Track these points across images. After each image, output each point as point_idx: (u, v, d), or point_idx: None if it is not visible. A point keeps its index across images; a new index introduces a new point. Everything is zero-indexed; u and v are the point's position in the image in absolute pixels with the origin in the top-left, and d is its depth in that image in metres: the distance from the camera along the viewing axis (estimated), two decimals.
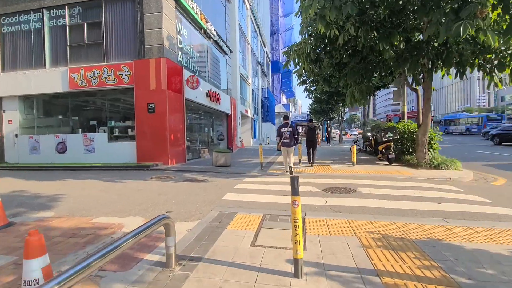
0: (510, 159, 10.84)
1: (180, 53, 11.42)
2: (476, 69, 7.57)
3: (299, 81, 9.97)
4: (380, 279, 2.24)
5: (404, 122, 11.01)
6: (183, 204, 4.70)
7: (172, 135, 10.13)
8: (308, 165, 9.54)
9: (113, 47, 10.56)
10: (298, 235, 2.27)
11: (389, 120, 13.14)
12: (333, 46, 8.37)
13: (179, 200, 4.98)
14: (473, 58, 6.93)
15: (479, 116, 35.33)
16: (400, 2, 6.54)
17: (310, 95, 29.17)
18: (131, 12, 10.39)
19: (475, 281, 2.19)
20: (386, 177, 7.01)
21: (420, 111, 9.45)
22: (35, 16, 11.27)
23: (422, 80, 8.48)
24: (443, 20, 5.33)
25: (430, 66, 7.98)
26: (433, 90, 8.76)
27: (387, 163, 9.62)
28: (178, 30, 11.31)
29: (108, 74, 10.25)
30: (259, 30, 33.49)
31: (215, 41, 15.74)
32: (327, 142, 22.11)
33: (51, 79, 10.83)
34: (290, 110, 58.98)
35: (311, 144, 9.50)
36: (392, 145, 9.50)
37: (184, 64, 11.75)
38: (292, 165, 7.89)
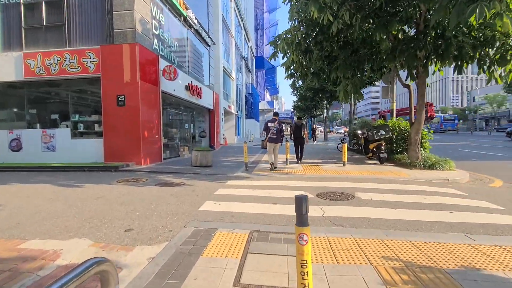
0: (489, 157, 10.78)
1: (155, 40, 10.27)
2: (470, 66, 7.22)
3: (286, 74, 9.20)
4: None
5: (393, 119, 10.61)
6: (150, 217, 3.79)
7: (145, 132, 9.04)
8: (296, 163, 9.26)
9: (76, 30, 9.23)
10: (307, 286, 1.48)
11: (383, 117, 12.74)
12: (325, 36, 7.69)
13: (145, 211, 4.05)
14: (474, 52, 6.48)
15: (437, 116, 39.89)
16: None
17: (295, 92, 28.71)
18: None
19: None
20: (382, 179, 6.44)
21: (413, 108, 9.05)
22: None
23: (416, 75, 8.01)
24: (451, 5, 4.75)
25: (425, 60, 7.50)
26: (427, 86, 8.35)
27: (377, 162, 9.15)
28: (154, 14, 10.15)
29: (70, 61, 8.93)
30: (243, 24, 32.43)
31: (197, 31, 14.62)
32: (313, 140, 21.66)
33: (2, 66, 9.31)
34: (275, 107, 58.51)
35: (299, 142, 9.47)
36: (383, 144, 9.02)
37: (161, 53, 10.62)
38: (276, 162, 7.85)
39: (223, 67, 21.55)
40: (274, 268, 2.36)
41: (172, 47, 11.91)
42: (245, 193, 5.13)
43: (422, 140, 8.96)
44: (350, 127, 17.01)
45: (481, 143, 18.14)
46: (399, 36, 6.77)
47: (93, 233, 3.22)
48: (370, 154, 9.62)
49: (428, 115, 26.91)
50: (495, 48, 6.42)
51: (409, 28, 7.65)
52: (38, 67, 9.08)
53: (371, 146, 9.27)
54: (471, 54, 6.51)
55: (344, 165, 8.48)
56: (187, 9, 13.00)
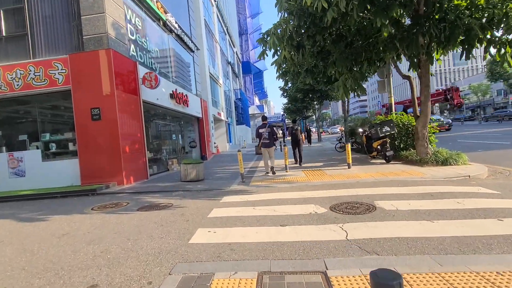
0: (494, 146, 10.30)
1: (132, 46, 9.40)
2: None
3: (278, 73, 8.48)
4: None
5: (394, 114, 10.03)
6: (124, 262, 2.89)
7: (127, 147, 8.08)
8: (296, 166, 9.08)
9: (41, 40, 8.26)
10: None
11: (388, 110, 12.05)
12: (317, 28, 7.02)
13: (119, 252, 3.14)
14: (483, 33, 5.90)
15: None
16: None
17: (285, 94, 28.13)
18: None
19: None
20: (397, 182, 5.71)
21: (416, 100, 8.46)
22: None
23: (419, 65, 7.42)
24: None
25: (427, 47, 6.90)
26: (431, 76, 7.77)
27: (383, 161, 8.48)
28: (129, 18, 9.30)
29: (35, 73, 7.94)
30: (227, 29, 31.88)
31: (178, 36, 13.80)
32: (308, 143, 20.96)
33: None
34: (265, 111, 58.07)
35: (297, 144, 9.60)
36: (388, 141, 8.37)
37: (139, 59, 9.74)
38: (274, 165, 7.88)
39: (210, 73, 20.76)
40: None
41: (152, 53, 11.04)
42: (245, 213, 4.27)
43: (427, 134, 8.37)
44: (345, 126, 16.42)
45: (477, 133, 17.88)
46: (403, 20, 6.14)
47: None
48: (375, 153, 8.95)
49: (455, 102, 23.37)
50: (505, 29, 5.87)
51: (409, 12, 7.06)
52: None
53: (375, 144, 8.59)
54: (481, 36, 5.93)
55: (349, 167, 7.76)
56: (166, 12, 12.20)
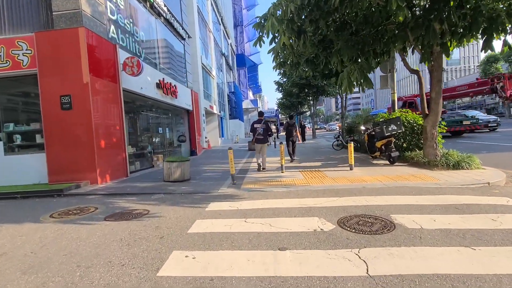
0: (497, 148, 9.80)
1: (113, 27, 8.35)
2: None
3: (275, 63, 7.66)
4: None
5: (399, 111, 9.37)
6: None
7: (102, 141, 7.14)
8: (291, 164, 8.73)
9: (3, 14, 7.14)
10: None
11: (410, 104, 11.29)
12: (321, 12, 6.19)
13: None
14: (510, 21, 5.20)
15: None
16: None
17: (280, 89, 27.26)
18: None
19: None
20: (410, 188, 5.01)
21: (424, 97, 7.80)
22: None
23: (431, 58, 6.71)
24: None
25: (441, 36, 6.16)
26: (443, 70, 7.08)
27: (387, 162, 7.83)
28: None
29: None
30: (222, 19, 30.59)
31: (167, 21, 12.72)
32: (302, 140, 20.17)
33: None
34: (258, 106, 57.13)
35: (292, 140, 9.42)
36: (393, 140, 7.70)
37: (121, 43, 8.70)
38: (264, 163, 7.89)
39: (202, 63, 19.67)
40: None
41: (137, 37, 9.99)
42: (235, 227, 3.48)
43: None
44: (343, 122, 15.73)
45: (476, 134, 17.53)
46: (421, 3, 5.38)
47: None
48: (377, 153, 8.27)
49: (508, 94, 17.43)
50: None
51: None
52: None
53: (378, 144, 7.91)
54: (507, 25, 5.23)
55: (351, 169, 7.05)
56: None
